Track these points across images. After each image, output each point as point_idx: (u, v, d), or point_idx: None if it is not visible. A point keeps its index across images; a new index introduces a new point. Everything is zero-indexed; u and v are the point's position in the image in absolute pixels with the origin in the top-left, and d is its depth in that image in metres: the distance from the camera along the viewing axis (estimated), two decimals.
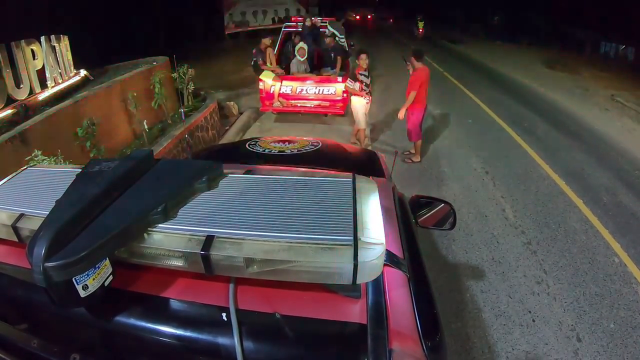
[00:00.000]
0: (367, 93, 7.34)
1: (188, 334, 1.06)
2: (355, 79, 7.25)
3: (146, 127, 6.84)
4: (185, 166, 1.40)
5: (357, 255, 0.97)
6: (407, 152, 7.52)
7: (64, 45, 6.44)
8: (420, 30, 28.45)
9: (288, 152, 3.01)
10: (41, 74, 5.87)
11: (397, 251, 1.35)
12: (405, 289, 1.24)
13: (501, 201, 5.96)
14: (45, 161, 4.22)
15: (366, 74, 7.31)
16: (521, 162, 7.45)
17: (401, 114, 6.88)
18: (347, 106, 9.15)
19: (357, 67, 7.36)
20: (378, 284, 1.18)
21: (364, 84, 7.28)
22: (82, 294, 0.96)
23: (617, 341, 3.69)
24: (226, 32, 21.95)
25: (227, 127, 9.37)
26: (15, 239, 1.18)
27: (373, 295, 1.14)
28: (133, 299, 1.14)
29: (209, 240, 1.02)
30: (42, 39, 5.89)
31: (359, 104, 7.41)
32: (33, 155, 4.27)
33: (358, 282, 0.99)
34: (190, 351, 1.06)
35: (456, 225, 2.76)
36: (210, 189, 1.26)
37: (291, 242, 1.01)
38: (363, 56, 7.27)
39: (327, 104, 9.17)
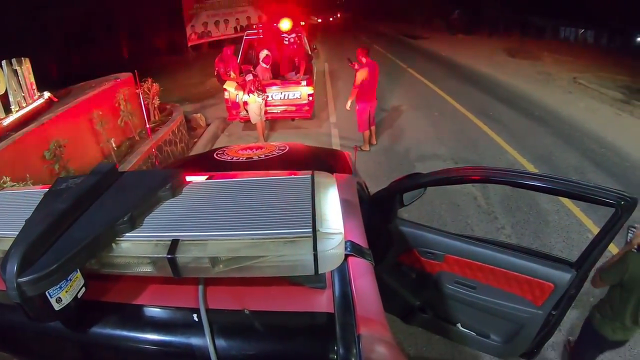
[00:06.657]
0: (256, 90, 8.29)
1: (162, 338, 1.10)
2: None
3: (114, 145, 6.76)
4: (148, 176, 1.43)
5: (316, 245, 1.02)
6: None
7: (25, 69, 6.30)
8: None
9: (256, 158, 3.05)
10: (4, 98, 5.76)
11: (361, 241, 1.40)
12: (370, 276, 1.27)
13: (472, 190, 6.07)
14: (15, 187, 4.16)
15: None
16: (489, 150, 7.64)
17: (347, 105, 7.60)
18: (313, 109, 9.30)
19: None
20: (343, 274, 1.21)
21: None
22: (56, 307, 0.98)
23: None
24: (189, 44, 21.62)
25: (195, 140, 9.27)
26: None
27: (339, 285, 1.18)
28: (106, 308, 1.17)
29: (174, 244, 1.05)
30: (4, 63, 5.78)
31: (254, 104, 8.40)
32: (2, 182, 4.21)
33: (320, 271, 1.04)
34: (165, 355, 1.10)
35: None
36: (174, 196, 1.29)
37: (254, 239, 1.05)
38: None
39: (294, 108, 9.18)
